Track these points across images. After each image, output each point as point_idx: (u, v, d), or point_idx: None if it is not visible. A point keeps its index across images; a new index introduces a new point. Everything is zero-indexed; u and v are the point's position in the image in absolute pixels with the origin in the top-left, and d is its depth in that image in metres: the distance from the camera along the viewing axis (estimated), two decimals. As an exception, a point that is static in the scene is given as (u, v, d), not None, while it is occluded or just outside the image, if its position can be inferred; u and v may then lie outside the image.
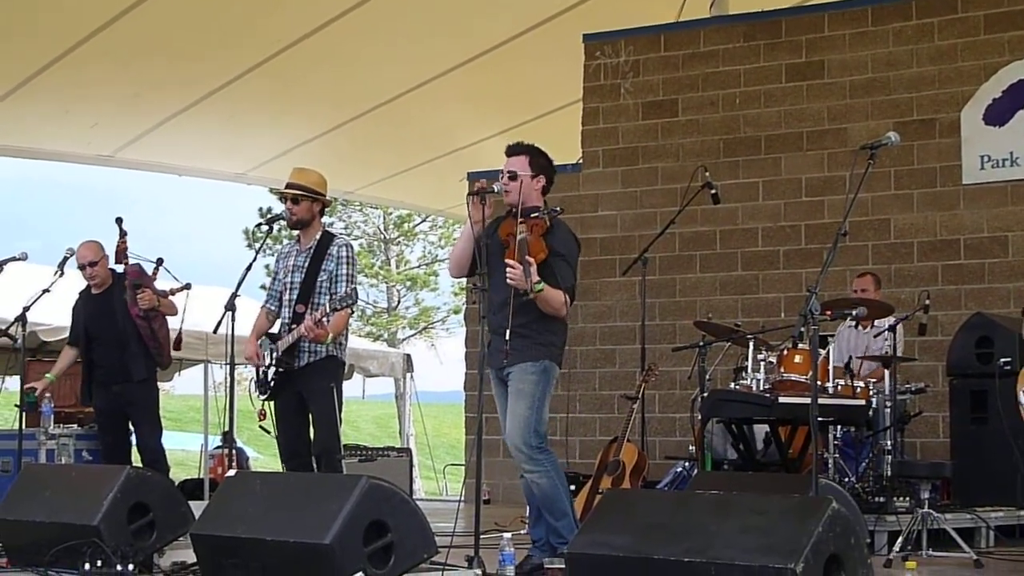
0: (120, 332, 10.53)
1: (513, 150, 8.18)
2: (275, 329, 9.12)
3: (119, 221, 10.66)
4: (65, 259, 10.64)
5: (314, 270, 8.93)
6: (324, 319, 8.58)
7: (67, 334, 11.31)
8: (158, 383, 10.94)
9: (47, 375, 11.13)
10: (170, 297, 10.67)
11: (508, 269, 7.70)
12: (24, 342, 10.84)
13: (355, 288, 8.83)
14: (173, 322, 10.84)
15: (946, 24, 13.51)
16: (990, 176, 13.14)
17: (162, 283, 10.86)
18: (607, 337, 14.53)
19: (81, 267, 10.70)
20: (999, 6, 13.30)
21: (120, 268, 10.69)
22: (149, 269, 10.67)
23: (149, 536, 7.65)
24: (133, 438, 10.80)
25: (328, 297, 8.76)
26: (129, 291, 10.45)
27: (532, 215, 7.98)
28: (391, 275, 45.65)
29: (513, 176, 8.02)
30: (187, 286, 10.67)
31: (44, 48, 15.32)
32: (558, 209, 8.18)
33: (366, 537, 6.34)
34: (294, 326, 8.80)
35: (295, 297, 8.95)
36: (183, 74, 16.54)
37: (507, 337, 7.65)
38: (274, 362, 8.88)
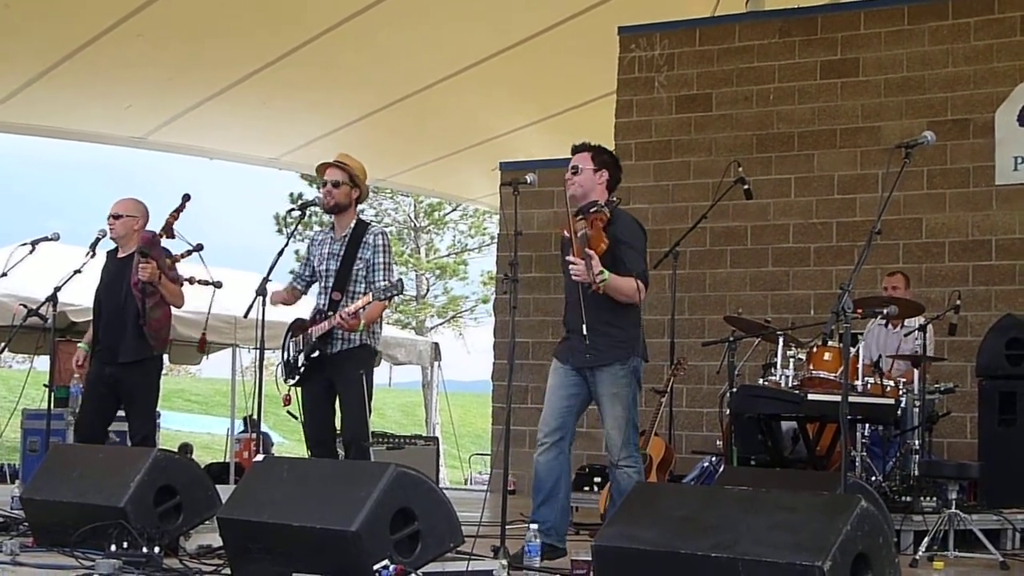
0: (120, 308, 9.85)
1: (577, 148, 8.35)
2: (306, 316, 9.13)
3: (186, 197, 9.79)
4: (97, 240, 10.30)
5: (350, 258, 8.92)
6: (360, 310, 8.59)
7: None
8: (162, 366, 10.21)
9: (80, 344, 10.25)
10: (175, 266, 9.93)
11: (570, 266, 7.87)
12: (55, 322, 10.81)
13: (401, 279, 8.85)
14: (197, 319, 10.40)
15: (982, 24, 13.45)
16: (1023, 178, 13.08)
17: (192, 269, 10.16)
18: (636, 330, 14.51)
19: (110, 216, 10.08)
20: (1037, 7, 13.25)
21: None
22: (180, 249, 9.92)
23: (175, 519, 7.66)
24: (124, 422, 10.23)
25: (364, 285, 8.81)
26: (136, 256, 9.69)
27: (591, 210, 8.07)
28: (420, 263, 45.72)
29: (576, 171, 8.15)
30: (199, 247, 9.83)
31: (80, 29, 15.36)
32: (615, 200, 8.28)
33: (393, 525, 6.34)
34: (330, 313, 8.82)
35: (331, 284, 8.95)
36: (218, 57, 16.58)
37: (584, 332, 7.84)
38: (305, 349, 8.89)
